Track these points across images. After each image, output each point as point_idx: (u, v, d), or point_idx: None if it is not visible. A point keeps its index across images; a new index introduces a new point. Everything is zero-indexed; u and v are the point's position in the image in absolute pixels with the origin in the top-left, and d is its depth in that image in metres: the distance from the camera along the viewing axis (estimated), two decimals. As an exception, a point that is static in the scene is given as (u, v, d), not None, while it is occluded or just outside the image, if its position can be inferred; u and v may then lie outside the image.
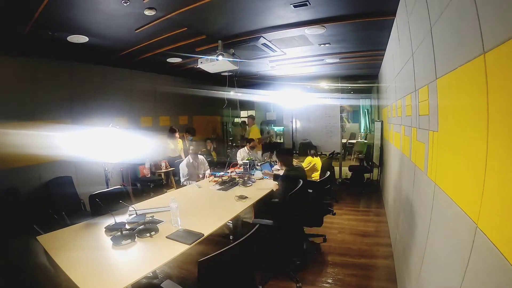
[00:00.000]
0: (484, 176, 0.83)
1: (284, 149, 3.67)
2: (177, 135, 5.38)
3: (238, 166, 4.24)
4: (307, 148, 4.26)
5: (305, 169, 3.95)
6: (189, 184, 3.80)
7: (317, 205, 2.98)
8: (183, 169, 4.04)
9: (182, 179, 4.03)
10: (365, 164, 6.19)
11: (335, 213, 4.26)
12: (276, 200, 2.98)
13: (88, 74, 4.64)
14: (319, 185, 3.05)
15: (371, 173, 5.99)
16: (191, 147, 4.15)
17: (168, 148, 5.29)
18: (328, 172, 3.80)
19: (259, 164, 4.43)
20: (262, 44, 3.86)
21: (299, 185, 2.54)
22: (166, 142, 5.33)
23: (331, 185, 5.37)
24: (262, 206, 2.99)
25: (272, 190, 3.20)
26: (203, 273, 1.29)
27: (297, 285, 2.45)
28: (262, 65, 5.58)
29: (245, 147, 5.04)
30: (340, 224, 3.86)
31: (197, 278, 1.29)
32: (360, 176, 5.89)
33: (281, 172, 3.27)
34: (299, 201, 2.53)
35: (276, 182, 3.20)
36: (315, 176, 3.79)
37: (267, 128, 8.89)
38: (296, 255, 2.81)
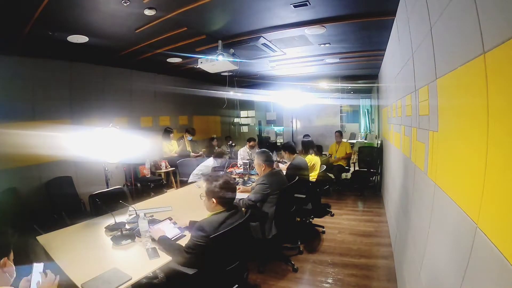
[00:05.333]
0: (484, 176, 0.83)
1: (287, 143, 4.05)
2: (172, 135, 5.38)
3: (237, 166, 4.24)
4: (308, 147, 4.23)
5: None
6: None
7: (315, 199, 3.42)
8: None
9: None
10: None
11: (333, 214, 4.26)
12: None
13: (88, 74, 4.64)
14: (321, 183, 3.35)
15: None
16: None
17: (162, 150, 5.28)
18: (325, 166, 3.91)
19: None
20: (262, 44, 3.86)
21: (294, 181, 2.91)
22: (161, 143, 5.34)
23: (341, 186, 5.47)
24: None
25: None
26: (213, 246, 1.59)
27: (294, 267, 2.74)
28: (262, 65, 5.57)
29: (245, 147, 5.05)
30: (340, 224, 3.86)
31: (207, 250, 1.61)
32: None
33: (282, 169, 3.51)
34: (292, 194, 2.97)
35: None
36: (313, 176, 3.77)
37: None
38: (290, 241, 3.15)
